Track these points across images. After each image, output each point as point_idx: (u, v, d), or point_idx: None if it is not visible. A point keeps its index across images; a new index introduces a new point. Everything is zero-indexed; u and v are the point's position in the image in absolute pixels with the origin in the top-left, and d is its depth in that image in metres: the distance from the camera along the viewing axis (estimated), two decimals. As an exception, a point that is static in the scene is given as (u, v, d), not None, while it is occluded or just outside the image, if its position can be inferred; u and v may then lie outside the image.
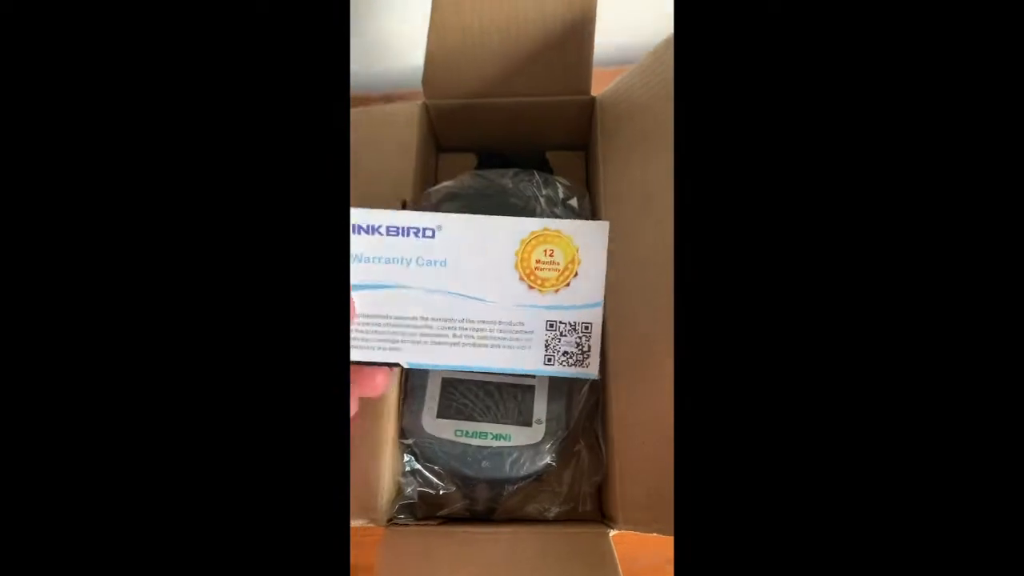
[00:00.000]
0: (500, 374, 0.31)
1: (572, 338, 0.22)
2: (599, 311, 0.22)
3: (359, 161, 0.34)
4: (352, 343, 0.22)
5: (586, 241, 0.21)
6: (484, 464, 0.30)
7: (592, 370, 0.22)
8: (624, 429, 0.29)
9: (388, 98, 0.48)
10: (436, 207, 0.35)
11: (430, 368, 0.22)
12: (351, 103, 0.39)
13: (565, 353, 0.22)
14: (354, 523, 0.28)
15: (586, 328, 0.22)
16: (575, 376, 0.24)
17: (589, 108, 0.37)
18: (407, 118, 0.36)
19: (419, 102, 0.36)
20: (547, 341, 0.22)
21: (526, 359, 0.22)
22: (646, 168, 0.31)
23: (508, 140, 0.39)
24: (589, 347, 0.22)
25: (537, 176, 0.35)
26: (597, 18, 0.33)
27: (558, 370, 0.22)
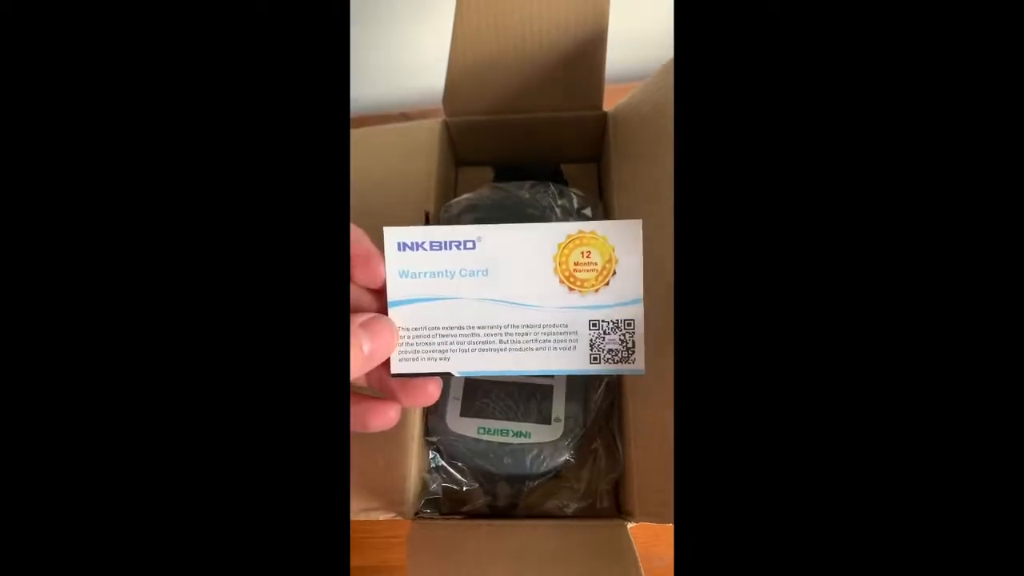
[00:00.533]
0: (520, 375, 0.32)
1: (616, 336, 0.22)
2: (640, 307, 0.22)
3: (384, 175, 0.36)
4: (402, 356, 0.22)
5: (621, 240, 0.22)
6: (506, 460, 0.31)
7: (639, 366, 0.23)
8: (640, 426, 0.31)
9: (406, 116, 0.50)
10: (457, 218, 0.37)
11: (480, 375, 0.23)
12: (369, 122, 0.41)
13: (610, 351, 0.22)
14: (382, 517, 0.30)
15: (629, 325, 0.22)
16: (623, 372, 0.24)
17: (601, 122, 0.39)
18: (429, 135, 0.38)
19: (440, 119, 0.38)
20: (591, 340, 0.22)
21: (573, 360, 0.22)
22: (654, 178, 0.32)
23: (524, 154, 0.41)
24: (634, 343, 0.22)
25: (552, 187, 0.37)
26: (608, 36, 0.35)
27: (605, 368, 0.22)
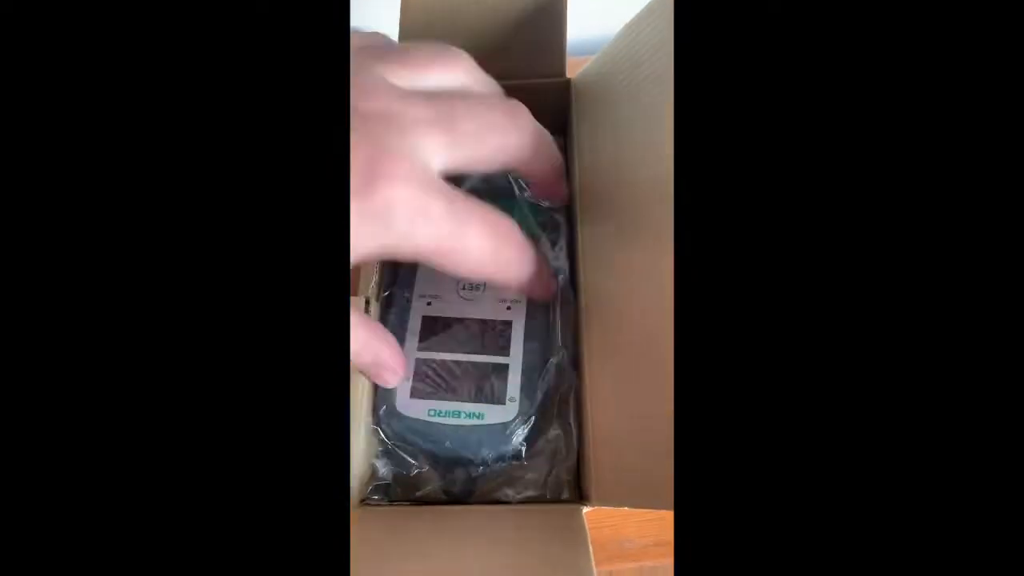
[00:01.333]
0: (474, 353, 0.31)
1: None
2: None
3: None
4: None
5: None
6: (457, 443, 0.29)
7: None
8: (598, 408, 0.29)
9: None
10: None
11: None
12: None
13: None
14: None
15: None
16: None
17: (565, 90, 0.37)
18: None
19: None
20: None
21: None
22: (619, 145, 0.31)
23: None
24: None
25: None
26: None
27: None
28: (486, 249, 0.23)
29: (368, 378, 0.29)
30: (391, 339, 0.28)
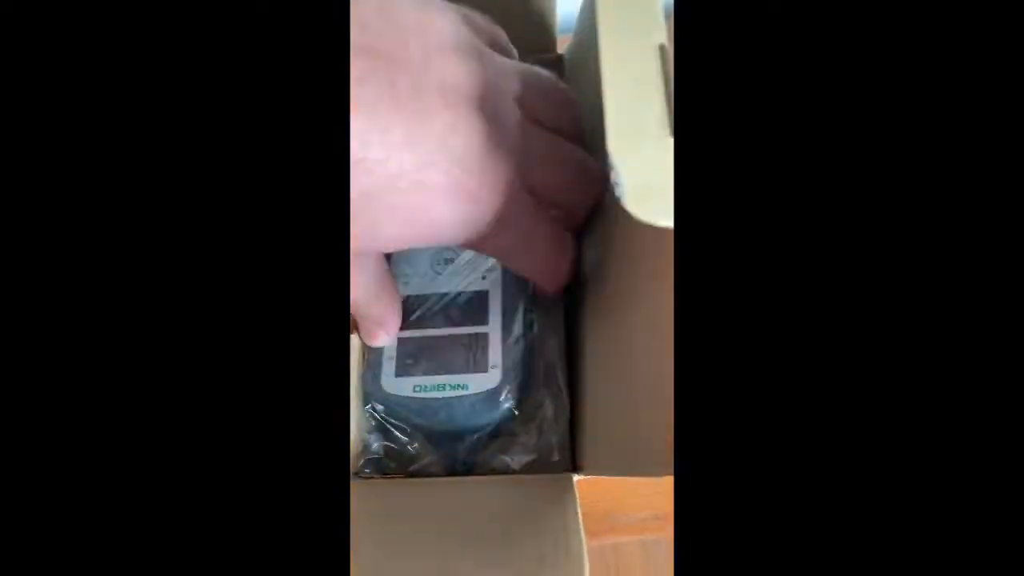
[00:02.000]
0: (453, 326, 0.31)
1: None
2: None
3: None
4: None
5: None
6: (444, 415, 0.29)
7: None
8: (591, 376, 0.28)
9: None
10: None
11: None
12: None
13: None
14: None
15: None
16: None
17: (556, 66, 0.36)
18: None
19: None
20: None
21: None
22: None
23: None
24: None
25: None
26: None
27: None
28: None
29: (358, 331, 0.30)
30: (398, 298, 0.30)
